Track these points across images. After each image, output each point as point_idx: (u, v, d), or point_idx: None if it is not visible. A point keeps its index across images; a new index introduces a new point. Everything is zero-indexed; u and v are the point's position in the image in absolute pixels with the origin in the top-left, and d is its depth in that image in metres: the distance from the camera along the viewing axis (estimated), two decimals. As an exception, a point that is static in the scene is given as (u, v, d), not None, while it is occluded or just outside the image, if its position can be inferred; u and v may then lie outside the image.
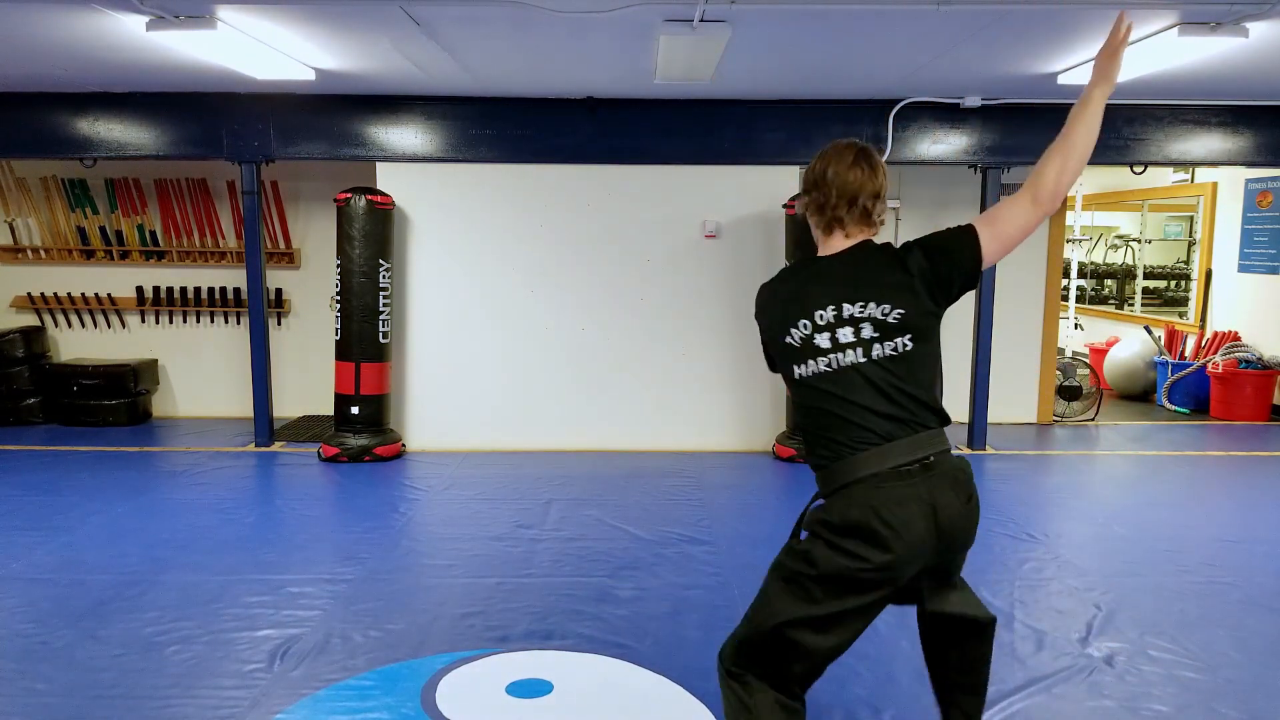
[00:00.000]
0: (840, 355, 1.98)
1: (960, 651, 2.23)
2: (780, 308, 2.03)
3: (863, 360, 1.98)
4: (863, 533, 1.92)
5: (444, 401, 6.27)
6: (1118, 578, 3.91)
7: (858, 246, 2.09)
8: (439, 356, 6.25)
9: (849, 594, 1.96)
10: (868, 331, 1.98)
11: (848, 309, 1.98)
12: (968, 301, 6.11)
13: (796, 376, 2.04)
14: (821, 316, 2.00)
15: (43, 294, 7.01)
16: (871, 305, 1.98)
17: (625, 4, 3.58)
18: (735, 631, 2.13)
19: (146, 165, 6.73)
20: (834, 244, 2.09)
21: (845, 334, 1.99)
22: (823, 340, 1.98)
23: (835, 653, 2.04)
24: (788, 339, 2.02)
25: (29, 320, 7.05)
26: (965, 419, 6.30)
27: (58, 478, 5.39)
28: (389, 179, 6.08)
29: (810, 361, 2.02)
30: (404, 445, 6.19)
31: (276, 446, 6.20)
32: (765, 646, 2.03)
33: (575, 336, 6.26)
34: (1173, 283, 10.24)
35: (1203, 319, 8.12)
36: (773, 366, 2.20)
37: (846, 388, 1.98)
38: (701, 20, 3.78)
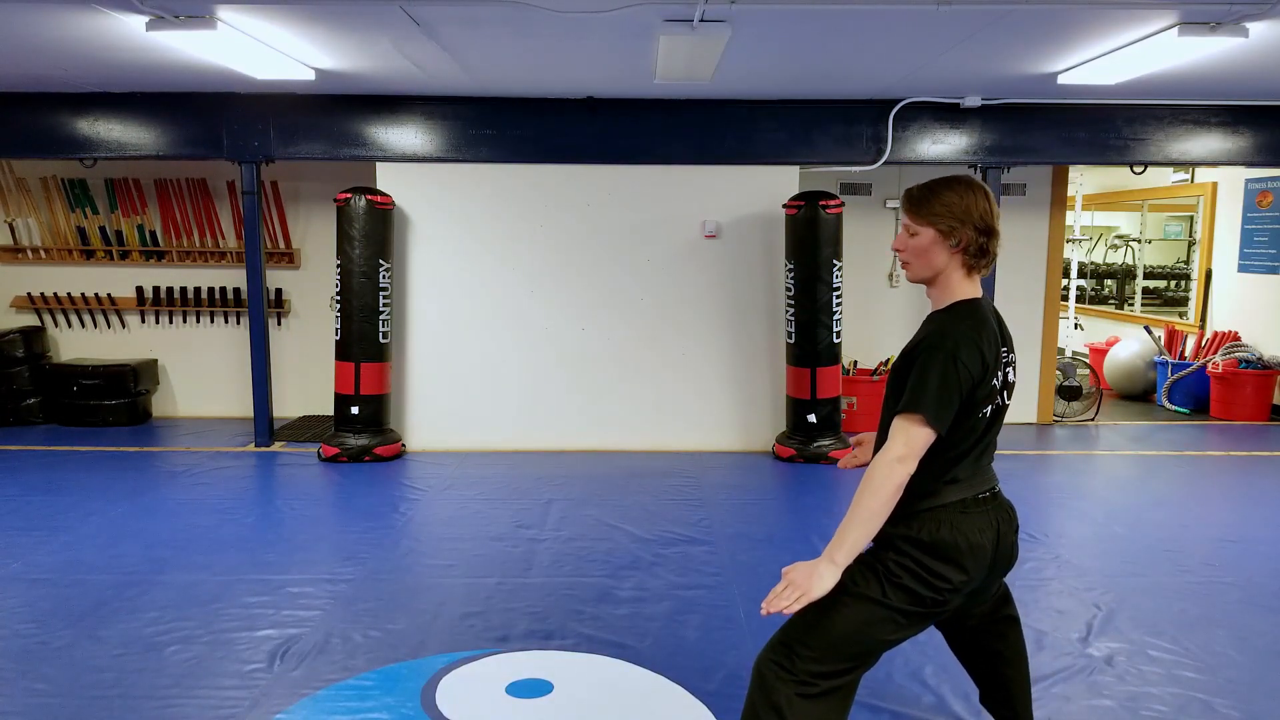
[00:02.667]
0: (1004, 395, 2.11)
1: (1007, 643, 2.40)
2: (994, 348, 2.05)
3: (1008, 401, 2.14)
4: (948, 553, 2.02)
5: (444, 401, 6.27)
6: (1118, 578, 3.91)
7: (985, 297, 2.16)
8: (439, 356, 6.25)
9: (929, 617, 2.09)
10: (1011, 375, 2.14)
11: (1005, 354, 2.10)
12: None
13: (980, 415, 2.04)
14: (1004, 356, 2.10)
15: (43, 294, 7.01)
16: (1013, 355, 2.16)
17: (625, 4, 3.58)
18: (803, 666, 2.05)
19: (146, 165, 6.73)
20: (974, 288, 2.12)
21: (1009, 375, 2.13)
22: (997, 380, 2.07)
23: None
24: (994, 380, 2.05)
25: (29, 320, 7.05)
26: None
27: (58, 478, 5.39)
28: (389, 179, 6.08)
29: (997, 399, 2.08)
30: (404, 445, 6.19)
31: (276, 446, 6.20)
32: (843, 673, 2.08)
33: (575, 336, 6.26)
34: (1173, 283, 10.24)
35: (1203, 319, 8.12)
36: (955, 415, 1.99)
37: (994, 425, 2.11)
38: (701, 20, 3.78)
